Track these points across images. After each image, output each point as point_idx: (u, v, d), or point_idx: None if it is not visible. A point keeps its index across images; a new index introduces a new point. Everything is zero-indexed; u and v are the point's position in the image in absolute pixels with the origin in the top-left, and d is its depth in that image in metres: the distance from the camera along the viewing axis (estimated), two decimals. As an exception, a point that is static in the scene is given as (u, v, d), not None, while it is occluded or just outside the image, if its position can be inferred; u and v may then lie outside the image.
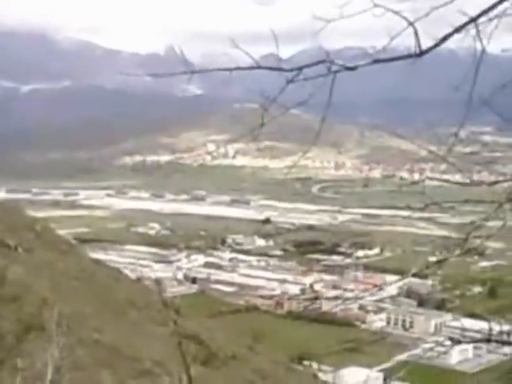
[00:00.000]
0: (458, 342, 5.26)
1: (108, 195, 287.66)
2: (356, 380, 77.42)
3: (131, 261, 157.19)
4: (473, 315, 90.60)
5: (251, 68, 4.53)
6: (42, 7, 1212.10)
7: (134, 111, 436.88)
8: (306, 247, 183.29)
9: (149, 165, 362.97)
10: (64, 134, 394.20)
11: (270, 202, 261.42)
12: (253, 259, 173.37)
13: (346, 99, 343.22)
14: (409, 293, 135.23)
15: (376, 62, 4.38)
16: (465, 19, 4.27)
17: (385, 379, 77.70)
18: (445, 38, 4.30)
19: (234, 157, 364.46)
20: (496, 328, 4.99)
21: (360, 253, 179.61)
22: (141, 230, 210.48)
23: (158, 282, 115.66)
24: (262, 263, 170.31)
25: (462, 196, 5.25)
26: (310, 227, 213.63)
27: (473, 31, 4.26)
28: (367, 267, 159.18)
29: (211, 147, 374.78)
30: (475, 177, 5.19)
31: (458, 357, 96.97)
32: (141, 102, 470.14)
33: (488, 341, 4.98)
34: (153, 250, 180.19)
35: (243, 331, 74.43)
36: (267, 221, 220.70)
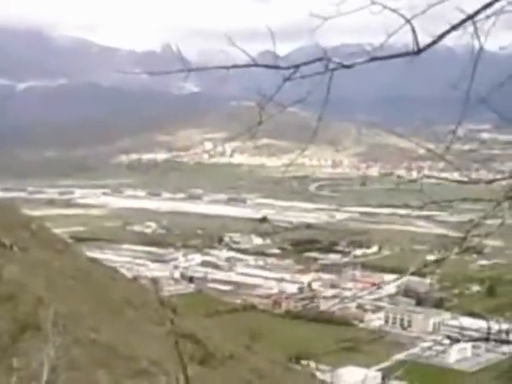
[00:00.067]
0: (457, 341, 5.24)
1: (104, 194, 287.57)
2: (354, 379, 77.57)
3: (127, 260, 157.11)
4: (471, 314, 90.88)
5: (248, 66, 4.50)
6: (38, 4, 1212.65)
7: (131, 109, 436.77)
8: (304, 246, 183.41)
9: (145, 163, 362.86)
10: (60, 132, 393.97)
11: (267, 201, 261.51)
12: (250, 258, 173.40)
13: (343, 97, 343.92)
14: (407, 292, 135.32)
15: (373, 59, 4.36)
16: (462, 16, 4.24)
17: (383, 378, 77.72)
18: (442, 36, 4.28)
19: (231, 155, 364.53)
20: (495, 327, 4.97)
21: (358, 251, 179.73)
22: (137, 228, 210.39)
23: (154, 281, 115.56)
24: (260, 262, 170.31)
25: (460, 194, 5.23)
26: (308, 226, 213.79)
27: (470, 28, 4.24)
28: (365, 266, 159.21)
29: (208, 145, 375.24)
30: (473, 175, 5.17)
31: (456, 356, 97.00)
32: (137, 100, 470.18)
33: (487, 340, 4.96)
34: (149, 248, 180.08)
35: (240, 330, 74.45)
36: (264, 219, 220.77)
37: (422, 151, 5.48)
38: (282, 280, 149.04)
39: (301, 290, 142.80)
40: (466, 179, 4.96)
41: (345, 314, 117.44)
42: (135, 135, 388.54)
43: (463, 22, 4.22)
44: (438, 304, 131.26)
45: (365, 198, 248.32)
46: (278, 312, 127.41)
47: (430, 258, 4.98)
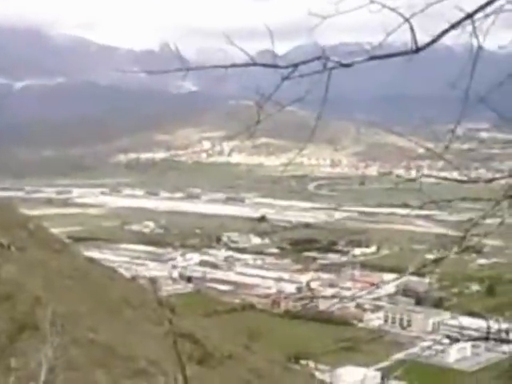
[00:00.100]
0: (456, 341, 5.22)
1: (102, 193, 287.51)
2: (353, 379, 77.56)
3: (126, 259, 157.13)
4: (471, 313, 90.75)
5: (246, 65, 4.49)
6: (36, 3, 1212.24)
7: (129, 108, 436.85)
8: (303, 245, 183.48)
9: (143, 162, 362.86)
10: (58, 130, 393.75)
11: (266, 200, 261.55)
12: (248, 257, 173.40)
13: (342, 96, 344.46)
14: (406, 291, 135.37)
15: (372, 58, 4.34)
16: (461, 15, 4.23)
17: (382, 378, 77.75)
18: (441, 35, 4.27)
19: (229, 154, 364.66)
20: (494, 326, 4.95)
21: (357, 251, 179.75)
22: (135, 228, 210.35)
23: (153, 280, 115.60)
24: (258, 261, 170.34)
25: (459, 193, 5.22)
26: (306, 225, 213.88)
27: (469, 27, 4.23)
28: (364, 265, 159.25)
29: (206, 144, 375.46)
30: (472, 174, 5.16)
31: (456, 355, 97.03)
32: (135, 99, 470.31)
33: (486, 339, 4.94)
34: (148, 248, 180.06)
35: (239, 330, 74.43)
36: (263, 219, 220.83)
37: (421, 150, 5.47)
38: (280, 279, 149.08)
39: (299, 289, 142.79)
40: (465, 178, 4.94)
41: (344, 313, 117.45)
42: (133, 134, 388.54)
43: (462, 20, 4.21)
44: (438, 303, 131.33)
45: (364, 198, 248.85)
46: (277, 312, 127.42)
47: (430, 257, 4.96)
